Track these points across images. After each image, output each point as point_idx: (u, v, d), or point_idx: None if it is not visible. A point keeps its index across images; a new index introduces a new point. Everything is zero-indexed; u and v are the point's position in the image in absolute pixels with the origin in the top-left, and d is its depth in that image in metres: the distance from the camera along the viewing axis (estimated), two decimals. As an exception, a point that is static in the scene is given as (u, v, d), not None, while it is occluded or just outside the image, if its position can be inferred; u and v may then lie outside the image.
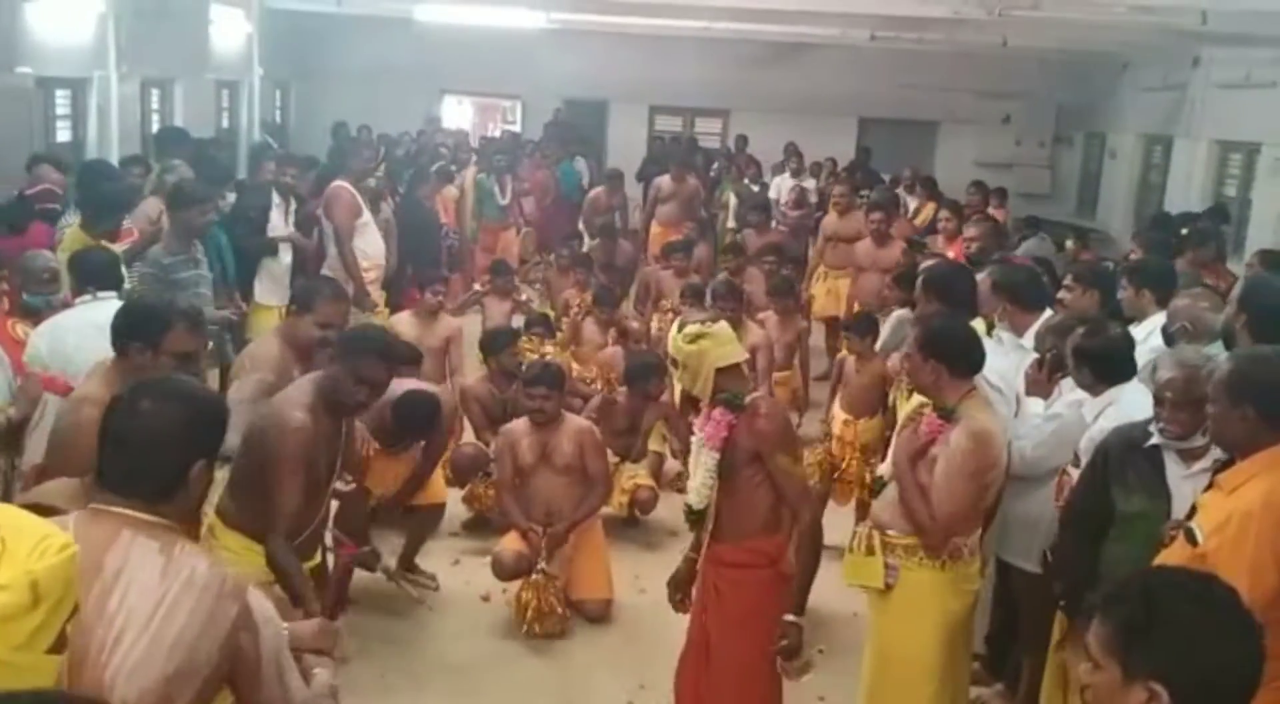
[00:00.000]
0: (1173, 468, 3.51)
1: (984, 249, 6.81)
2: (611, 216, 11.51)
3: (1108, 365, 4.01)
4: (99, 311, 4.34)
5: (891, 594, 3.88)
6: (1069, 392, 4.27)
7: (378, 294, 8.20)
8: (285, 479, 3.64)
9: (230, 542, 3.76)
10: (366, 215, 8.21)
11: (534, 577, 5.32)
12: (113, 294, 4.69)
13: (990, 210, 11.41)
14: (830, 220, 10.27)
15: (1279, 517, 2.80)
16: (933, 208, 11.14)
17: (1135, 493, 3.54)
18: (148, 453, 2.23)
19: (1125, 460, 3.61)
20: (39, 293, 4.97)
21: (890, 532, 3.86)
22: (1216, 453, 3.36)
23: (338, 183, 8.17)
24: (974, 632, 4.20)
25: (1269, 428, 2.94)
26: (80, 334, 4.25)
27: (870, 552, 3.88)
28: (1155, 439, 3.53)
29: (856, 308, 8.81)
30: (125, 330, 3.56)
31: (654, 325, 8.56)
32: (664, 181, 11.58)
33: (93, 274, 4.83)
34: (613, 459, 6.30)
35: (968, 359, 3.83)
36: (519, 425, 5.74)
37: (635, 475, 6.49)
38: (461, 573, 5.88)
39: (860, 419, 6.18)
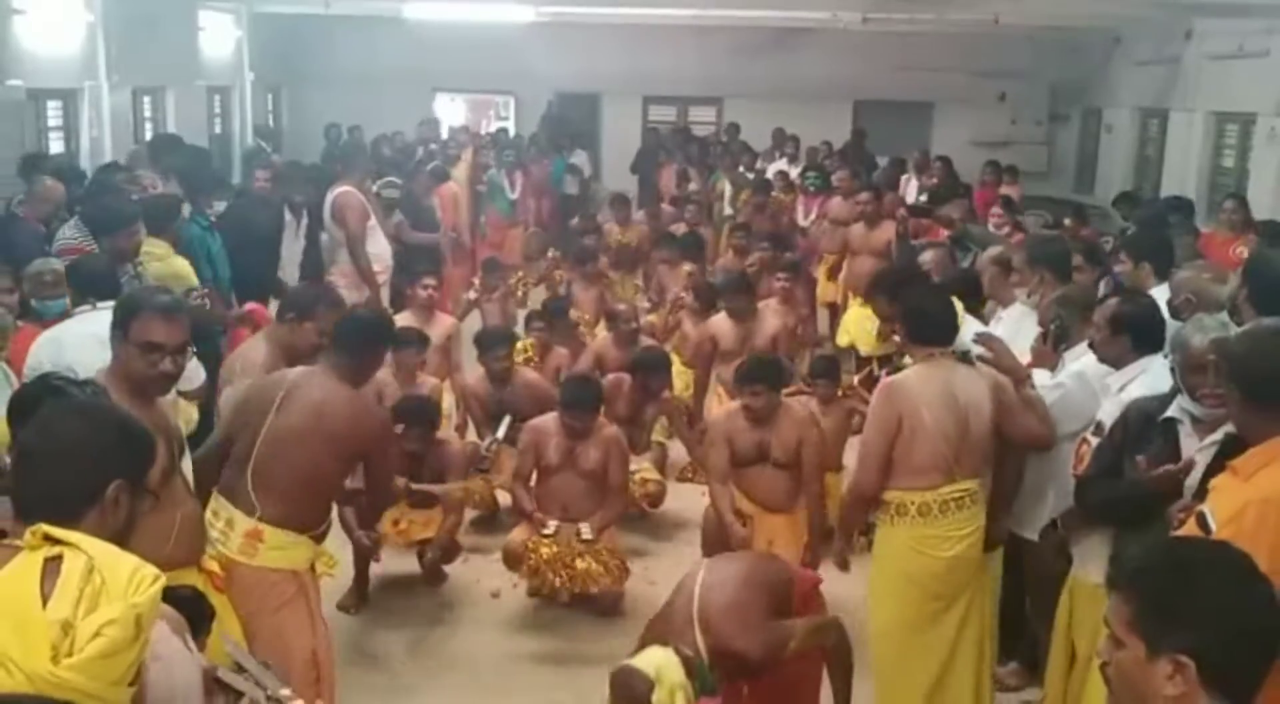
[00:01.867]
0: (1187, 441, 3.44)
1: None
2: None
3: (1147, 331, 3.94)
4: (99, 322, 4.31)
5: (874, 551, 4.23)
6: (1071, 362, 4.29)
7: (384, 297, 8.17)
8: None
9: (277, 540, 3.73)
10: (373, 219, 8.20)
11: (545, 534, 5.32)
12: (112, 303, 4.60)
13: (1003, 190, 11.44)
14: (835, 204, 10.27)
15: None
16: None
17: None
18: (52, 469, 2.11)
19: (1142, 433, 3.58)
20: (45, 297, 5.00)
21: None
22: (1229, 426, 3.30)
23: (345, 188, 8.11)
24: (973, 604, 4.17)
25: (1259, 411, 2.85)
26: (81, 345, 4.17)
27: None
28: (1173, 411, 3.47)
29: (850, 295, 8.81)
30: (112, 318, 3.39)
31: (651, 318, 8.54)
32: (609, 229, 10.70)
33: (90, 283, 4.77)
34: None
35: (926, 330, 4.17)
36: (549, 423, 5.67)
37: (643, 469, 6.48)
38: (471, 570, 5.88)
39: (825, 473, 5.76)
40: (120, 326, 3.29)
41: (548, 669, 5.05)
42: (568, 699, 4.78)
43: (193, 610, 2.86)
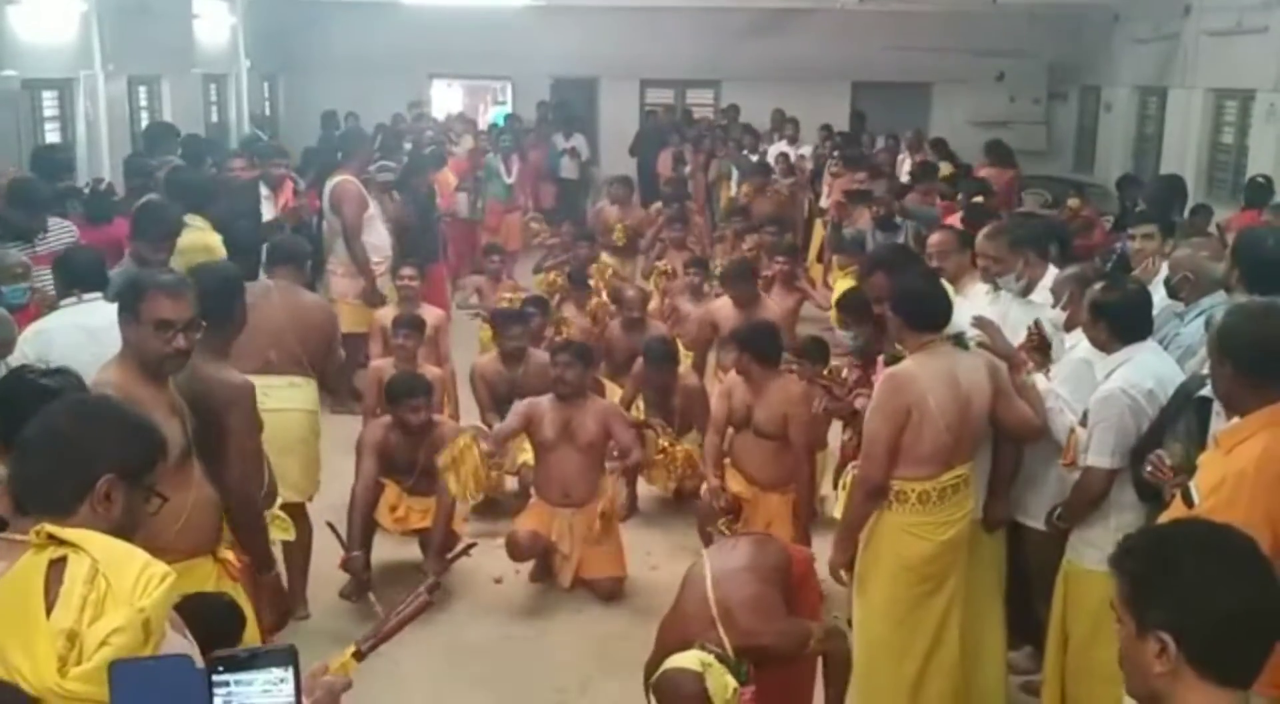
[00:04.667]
0: (1216, 422, 3.41)
1: None
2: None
3: (1125, 322, 3.89)
4: (85, 314, 4.28)
5: (864, 533, 4.11)
6: (1069, 352, 4.26)
7: (384, 286, 8.15)
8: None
9: None
10: (373, 208, 8.15)
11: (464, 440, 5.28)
12: (98, 296, 4.48)
13: (981, 171, 11.42)
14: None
15: (1272, 477, 2.73)
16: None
17: (1180, 444, 3.50)
18: (42, 462, 2.11)
19: (1180, 411, 3.60)
20: (15, 286, 4.99)
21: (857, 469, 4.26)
22: None
23: (344, 177, 8.06)
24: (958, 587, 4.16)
25: (1247, 385, 2.88)
26: (67, 338, 4.11)
27: (843, 488, 4.30)
28: (1207, 391, 3.43)
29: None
30: (118, 304, 3.34)
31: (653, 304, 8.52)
32: (607, 212, 10.34)
33: (78, 275, 4.65)
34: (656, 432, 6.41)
35: (924, 316, 4.05)
36: (544, 400, 5.69)
37: (688, 452, 6.40)
38: (474, 556, 5.87)
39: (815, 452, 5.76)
40: (129, 310, 3.26)
41: (551, 654, 5.06)
42: (571, 685, 4.79)
43: (226, 623, 2.79)
